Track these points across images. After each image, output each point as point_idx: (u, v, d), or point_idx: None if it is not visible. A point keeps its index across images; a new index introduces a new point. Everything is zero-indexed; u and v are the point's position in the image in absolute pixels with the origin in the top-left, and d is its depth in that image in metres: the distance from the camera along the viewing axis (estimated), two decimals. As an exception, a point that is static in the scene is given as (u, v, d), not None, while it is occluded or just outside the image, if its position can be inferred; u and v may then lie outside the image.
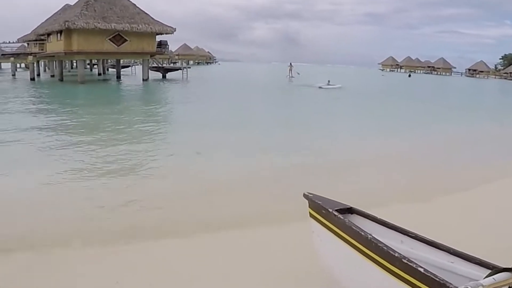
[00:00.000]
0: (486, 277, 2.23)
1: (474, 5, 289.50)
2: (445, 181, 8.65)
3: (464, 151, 12.47)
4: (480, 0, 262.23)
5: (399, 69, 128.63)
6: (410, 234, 3.29)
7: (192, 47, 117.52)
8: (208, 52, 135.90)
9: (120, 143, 11.56)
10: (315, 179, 8.30)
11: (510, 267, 2.22)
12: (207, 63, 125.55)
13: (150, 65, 41.56)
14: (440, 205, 6.92)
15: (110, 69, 54.44)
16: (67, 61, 53.67)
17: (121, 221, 6.12)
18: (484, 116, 23.48)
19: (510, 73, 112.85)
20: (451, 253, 3.04)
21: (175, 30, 38.96)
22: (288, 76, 51.80)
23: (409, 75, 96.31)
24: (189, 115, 17.91)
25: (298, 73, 51.92)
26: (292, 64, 55.49)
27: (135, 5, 37.69)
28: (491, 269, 2.46)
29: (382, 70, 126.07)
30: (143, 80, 37.96)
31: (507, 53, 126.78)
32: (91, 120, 16.02)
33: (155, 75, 43.05)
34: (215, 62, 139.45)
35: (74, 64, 55.28)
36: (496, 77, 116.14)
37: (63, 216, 6.26)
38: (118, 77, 41.40)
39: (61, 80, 37.13)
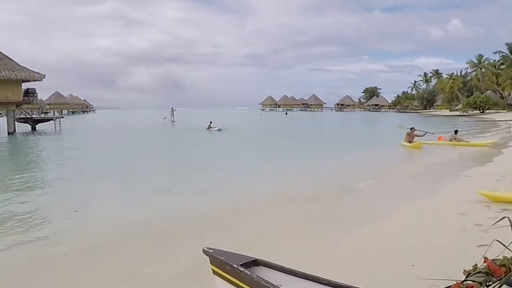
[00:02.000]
0: None
1: (338, 43, 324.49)
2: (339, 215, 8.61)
3: (346, 180, 12.75)
4: (342, 38, 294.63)
5: (277, 108, 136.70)
6: (322, 281, 3.10)
7: (66, 95, 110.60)
8: (84, 100, 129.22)
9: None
10: (209, 228, 7.59)
11: None
12: (83, 111, 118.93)
13: (16, 116, 37.50)
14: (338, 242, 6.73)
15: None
16: None
17: None
18: (357, 143, 25.78)
19: (373, 105, 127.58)
20: None
21: (44, 77, 35.91)
22: (169, 120, 55.34)
23: (286, 113, 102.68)
24: (64, 171, 15.79)
25: (165, 118, 55.95)
26: (173, 108, 59.39)
27: (-4, 50, 34.14)
28: None
29: (263, 109, 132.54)
30: (8, 133, 33.91)
31: (368, 87, 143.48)
32: None
33: (23, 127, 38.82)
34: (92, 110, 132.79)
35: None
36: (361, 109, 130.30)
37: None
38: (-23, 131, 36.54)
39: None
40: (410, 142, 21.30)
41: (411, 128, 22.25)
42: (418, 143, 21.03)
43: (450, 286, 2.46)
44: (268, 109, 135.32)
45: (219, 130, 36.67)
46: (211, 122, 38.20)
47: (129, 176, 13.84)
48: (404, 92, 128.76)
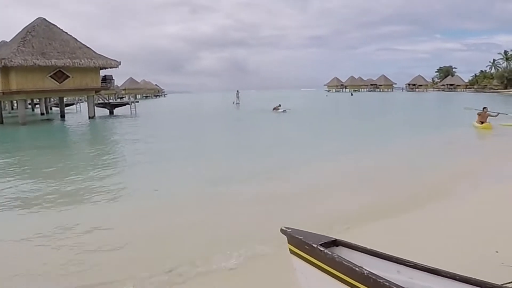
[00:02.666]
0: None
1: (407, 22, 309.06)
2: (413, 193, 8.56)
3: (421, 162, 12.59)
4: (412, 16, 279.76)
5: (344, 89, 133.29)
6: (407, 263, 2.92)
7: (139, 81, 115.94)
8: (156, 85, 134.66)
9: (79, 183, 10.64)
10: (287, 208, 7.80)
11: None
12: (155, 96, 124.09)
13: (95, 102, 40.11)
14: (413, 220, 6.71)
15: (53, 108, 52.17)
16: (6, 102, 50.89)
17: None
18: (427, 124, 24.85)
19: (447, 84, 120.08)
20: (457, 280, 2.68)
21: (120, 64, 37.96)
22: (234, 103, 56.72)
23: (351, 94, 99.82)
24: (143, 152, 16.87)
25: (233, 102, 57.19)
26: (238, 91, 60.81)
27: (75, 39, 36.41)
28: None
29: (328, 91, 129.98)
30: (89, 117, 36.39)
31: (441, 66, 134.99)
32: (33, 164, 14.83)
33: (101, 111, 41.52)
34: (164, 94, 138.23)
35: (15, 104, 52.44)
36: (434, 89, 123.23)
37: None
38: (62, 116, 39.50)
39: (1, 122, 34.90)
40: (482, 122, 20.38)
41: (484, 108, 21.06)
42: (488, 124, 20.20)
43: None
44: (334, 90, 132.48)
45: (283, 111, 36.78)
46: (279, 105, 38.48)
47: (209, 158, 14.40)
48: (482, 71, 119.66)
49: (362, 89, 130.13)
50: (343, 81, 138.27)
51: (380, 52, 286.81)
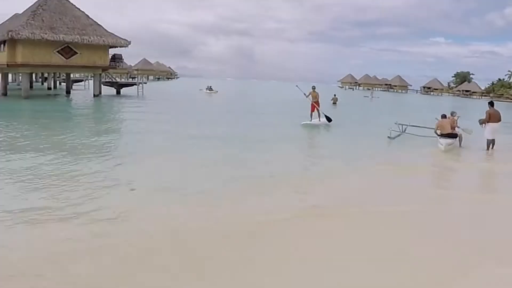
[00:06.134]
0: None
1: (404, 24, 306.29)
2: None
3: None
4: (410, 19, 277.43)
5: (357, 87, 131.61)
6: None
7: (153, 62, 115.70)
8: (169, 67, 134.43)
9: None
10: None
11: None
12: (168, 78, 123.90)
13: (103, 80, 39.71)
14: None
15: (63, 84, 52.00)
16: (15, 74, 50.84)
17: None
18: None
19: (463, 90, 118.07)
20: None
21: (129, 43, 37.42)
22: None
23: (371, 97, 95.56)
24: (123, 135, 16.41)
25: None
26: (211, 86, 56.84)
27: (87, 16, 35.94)
28: None
29: (341, 87, 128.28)
30: (94, 95, 36.06)
31: (459, 71, 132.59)
32: (22, 139, 14.39)
33: (109, 90, 41.15)
34: (176, 77, 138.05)
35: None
36: (449, 94, 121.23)
37: None
38: (68, 92, 39.18)
39: (5, 94, 34.60)
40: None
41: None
42: None
43: None
44: (347, 86, 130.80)
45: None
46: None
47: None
48: (499, 79, 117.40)
49: (376, 88, 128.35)
50: (358, 78, 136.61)
51: (381, 52, 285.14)
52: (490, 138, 14.88)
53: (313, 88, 21.53)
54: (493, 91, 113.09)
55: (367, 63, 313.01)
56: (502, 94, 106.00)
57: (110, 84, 42.42)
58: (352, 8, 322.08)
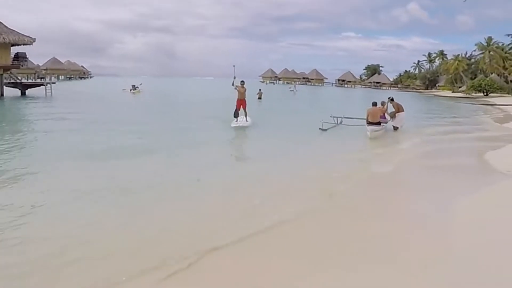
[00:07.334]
0: None
1: (320, 20, 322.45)
2: None
3: None
4: (323, 14, 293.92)
5: (277, 81, 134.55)
6: None
7: (63, 61, 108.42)
8: (82, 66, 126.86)
9: None
10: None
11: None
12: (81, 77, 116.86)
13: (5, 81, 36.26)
14: None
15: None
16: None
17: None
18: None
19: (374, 82, 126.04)
20: None
21: (34, 41, 34.57)
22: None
23: (294, 90, 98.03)
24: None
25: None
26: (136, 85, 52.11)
27: (-18, 11, 32.68)
28: None
29: (263, 82, 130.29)
30: (-5, 97, 32.87)
31: (369, 64, 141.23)
32: None
33: (13, 92, 37.57)
34: (90, 76, 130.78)
35: None
36: (362, 86, 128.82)
37: None
38: (-39, 94, 35.27)
39: None
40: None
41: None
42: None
43: None
44: (268, 81, 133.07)
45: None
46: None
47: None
48: (406, 71, 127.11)
49: (294, 82, 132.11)
50: (277, 73, 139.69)
51: (299, 46, 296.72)
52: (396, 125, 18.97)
53: (242, 83, 18.85)
54: (401, 82, 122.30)
55: (286, 57, 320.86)
56: (409, 85, 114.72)
57: (14, 85, 38.78)
58: (271, 4, 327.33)
